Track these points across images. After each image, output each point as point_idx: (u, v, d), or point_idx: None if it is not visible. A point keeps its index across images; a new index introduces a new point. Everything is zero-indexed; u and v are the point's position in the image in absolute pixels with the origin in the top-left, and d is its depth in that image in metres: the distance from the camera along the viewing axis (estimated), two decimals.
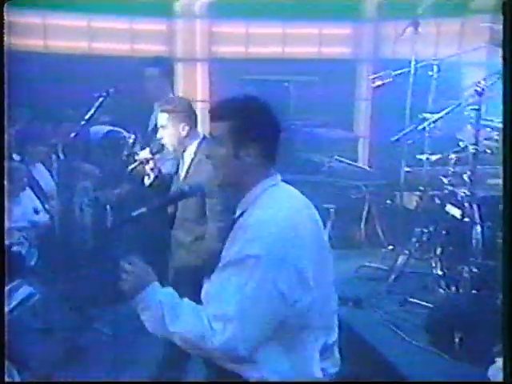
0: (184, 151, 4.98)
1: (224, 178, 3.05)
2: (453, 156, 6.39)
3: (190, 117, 5.01)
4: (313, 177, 7.42)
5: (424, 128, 6.30)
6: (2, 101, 4.08)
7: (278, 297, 2.78)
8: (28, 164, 7.34)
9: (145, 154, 5.20)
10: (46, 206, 7.19)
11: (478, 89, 5.72)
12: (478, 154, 5.83)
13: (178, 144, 4.96)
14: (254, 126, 2.98)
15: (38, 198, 7.30)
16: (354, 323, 5.74)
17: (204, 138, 4.96)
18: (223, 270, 2.88)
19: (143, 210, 3.88)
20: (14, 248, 6.64)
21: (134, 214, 3.89)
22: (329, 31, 9.89)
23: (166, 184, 5.10)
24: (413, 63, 6.82)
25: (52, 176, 7.60)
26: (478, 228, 5.81)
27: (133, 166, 5.30)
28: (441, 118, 6.20)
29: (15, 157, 7.37)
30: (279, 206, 2.94)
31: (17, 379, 4.39)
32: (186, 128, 4.91)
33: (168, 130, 4.95)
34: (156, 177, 5.07)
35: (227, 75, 9.25)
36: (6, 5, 4.16)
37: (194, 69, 9.52)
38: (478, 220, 5.83)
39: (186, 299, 2.97)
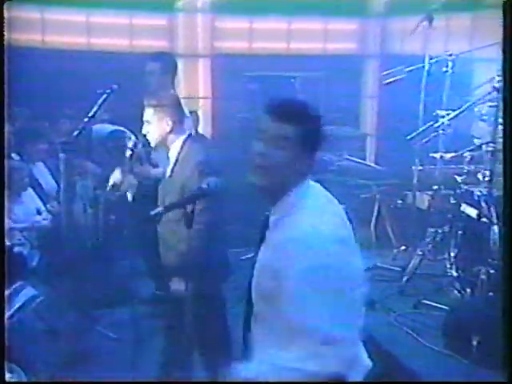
0: (168, 148, 4.83)
1: (268, 181, 2.82)
2: (467, 154, 6.23)
3: (176, 112, 4.83)
4: (321, 176, 7.27)
5: (439, 126, 6.14)
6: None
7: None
8: (29, 163, 7.19)
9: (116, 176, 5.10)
10: (48, 206, 7.04)
11: (496, 85, 5.56)
12: (496, 152, 5.66)
13: (162, 139, 4.79)
14: (318, 134, 2.83)
15: (40, 197, 7.17)
16: (367, 325, 5.56)
17: (190, 135, 4.81)
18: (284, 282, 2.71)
19: (160, 209, 3.77)
20: (16, 249, 6.51)
21: (153, 213, 3.80)
22: (334, 27, 9.75)
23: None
24: (427, 59, 6.63)
25: (53, 175, 7.47)
26: (496, 228, 5.64)
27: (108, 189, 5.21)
28: (458, 115, 6.04)
29: (15, 156, 7.24)
30: (322, 212, 2.83)
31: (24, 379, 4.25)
32: (170, 123, 4.71)
33: (152, 125, 4.76)
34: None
35: (230, 71, 9.11)
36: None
37: (195, 65, 9.36)
38: (495, 220, 5.67)
39: None
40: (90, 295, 6.43)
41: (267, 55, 9.32)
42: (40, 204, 7.11)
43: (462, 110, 6.08)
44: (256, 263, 2.89)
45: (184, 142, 4.72)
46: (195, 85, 9.21)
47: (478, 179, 6.00)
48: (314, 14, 9.26)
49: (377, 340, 5.40)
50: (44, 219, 6.96)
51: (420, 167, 6.80)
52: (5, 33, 4.12)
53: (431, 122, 6.30)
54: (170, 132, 4.69)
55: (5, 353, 3.42)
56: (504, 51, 3.67)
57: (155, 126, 4.71)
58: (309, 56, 9.38)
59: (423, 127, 6.28)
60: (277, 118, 2.79)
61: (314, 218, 2.77)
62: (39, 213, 7.03)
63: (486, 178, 5.87)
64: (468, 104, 6.05)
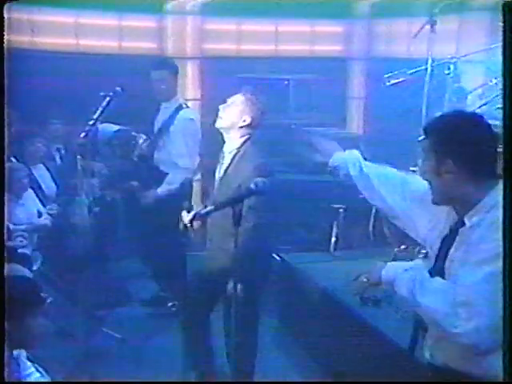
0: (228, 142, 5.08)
1: (434, 194, 3.17)
2: None
3: (255, 112, 5.06)
4: (319, 177, 7.36)
5: None
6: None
7: None
8: (29, 165, 7.19)
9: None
10: (49, 208, 7.05)
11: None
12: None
13: (232, 129, 5.00)
14: (450, 142, 3.04)
15: (40, 200, 7.18)
16: (378, 324, 5.69)
17: (250, 136, 4.96)
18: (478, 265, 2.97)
19: (211, 208, 3.86)
20: (19, 251, 6.51)
21: (203, 211, 3.89)
22: (321, 29, 9.86)
23: None
24: (429, 62, 6.79)
25: (53, 177, 7.48)
26: None
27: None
28: None
29: (14, 158, 7.24)
30: None
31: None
32: (248, 120, 4.99)
33: (231, 111, 5.01)
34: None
35: (219, 73, 9.18)
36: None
37: (184, 67, 9.37)
38: None
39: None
40: (95, 296, 6.46)
41: (255, 57, 9.39)
42: (40, 206, 7.12)
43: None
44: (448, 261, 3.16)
45: (244, 143, 4.88)
46: (184, 86, 9.23)
47: None
48: (301, 17, 9.37)
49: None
50: (45, 221, 6.99)
51: (414, 168, 6.92)
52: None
53: None
54: (242, 127, 4.89)
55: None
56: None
57: (234, 113, 4.91)
58: (297, 58, 9.47)
59: None
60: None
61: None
62: (40, 215, 7.05)
63: None
64: (479, 105, 6.17)
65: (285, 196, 6.85)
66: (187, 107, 7.28)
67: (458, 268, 3.09)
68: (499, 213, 2.94)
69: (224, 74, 9.05)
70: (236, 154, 5.00)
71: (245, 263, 4.39)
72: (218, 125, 5.15)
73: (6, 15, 7.62)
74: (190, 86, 9.41)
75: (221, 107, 5.15)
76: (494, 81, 6.41)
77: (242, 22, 9.61)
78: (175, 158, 6.89)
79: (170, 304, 7.10)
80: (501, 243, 2.90)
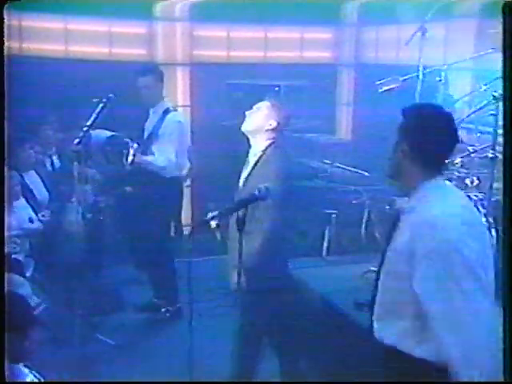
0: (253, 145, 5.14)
1: (388, 167, 3.53)
2: (458, 160, 6.43)
3: (280, 117, 5.16)
4: (312, 182, 7.42)
5: None
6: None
7: None
8: (21, 171, 7.18)
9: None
10: (40, 214, 7.04)
11: (495, 94, 5.77)
12: (494, 158, 5.89)
13: (258, 132, 5.06)
14: (410, 126, 3.39)
15: (31, 206, 7.17)
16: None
17: (274, 140, 5.04)
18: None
19: (215, 213, 3.87)
20: (13, 256, 6.51)
21: (207, 218, 3.90)
22: (311, 36, 9.92)
23: None
24: (421, 68, 6.85)
25: (45, 184, 7.47)
26: (493, 232, 5.83)
27: None
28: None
29: (6, 164, 7.22)
30: (451, 204, 3.32)
31: None
32: (274, 124, 5.04)
33: (258, 116, 5.11)
34: None
35: (209, 79, 9.22)
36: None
37: (174, 73, 9.40)
38: (492, 224, 5.86)
39: None
40: (88, 302, 6.46)
41: (245, 63, 9.43)
42: (32, 213, 7.11)
43: (468, 115, 6.29)
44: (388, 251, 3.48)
45: (268, 146, 4.96)
46: (174, 92, 9.25)
47: (466, 184, 6.26)
48: (290, 23, 9.43)
49: None
50: (37, 227, 6.99)
51: None
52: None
53: None
54: (268, 130, 4.96)
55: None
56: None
57: (261, 115, 5.08)
58: (286, 64, 9.51)
59: None
60: None
61: (445, 207, 3.27)
62: (31, 221, 7.05)
63: (475, 183, 6.17)
64: (473, 110, 6.24)
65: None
66: (175, 110, 7.33)
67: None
68: (422, 210, 3.28)
69: (214, 80, 9.12)
70: (260, 156, 5.07)
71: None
72: (244, 128, 5.23)
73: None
74: (179, 92, 9.41)
75: (247, 113, 5.23)
76: (484, 87, 6.45)
77: (232, 29, 9.64)
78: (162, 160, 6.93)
79: (163, 310, 7.09)
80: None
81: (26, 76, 8.19)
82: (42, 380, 3.97)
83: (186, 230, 8.47)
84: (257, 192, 3.82)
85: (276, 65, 9.41)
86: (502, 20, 3.76)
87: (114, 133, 6.81)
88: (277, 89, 8.42)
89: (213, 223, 4.16)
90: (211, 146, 8.87)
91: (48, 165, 8.09)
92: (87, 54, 9.26)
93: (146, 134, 7.16)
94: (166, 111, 7.14)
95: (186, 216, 8.77)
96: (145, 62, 9.29)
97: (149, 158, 6.89)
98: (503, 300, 3.72)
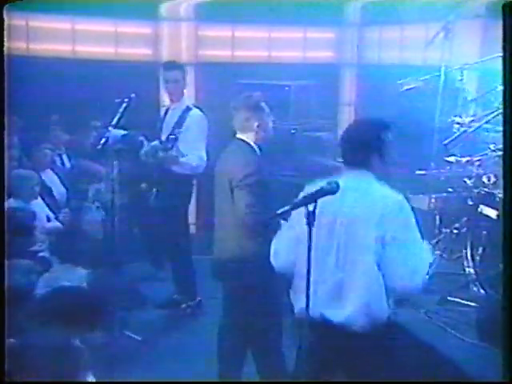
0: None
1: None
2: (475, 159, 6.58)
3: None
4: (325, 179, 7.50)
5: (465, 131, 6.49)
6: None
7: None
8: (38, 171, 7.23)
9: None
10: (61, 213, 7.10)
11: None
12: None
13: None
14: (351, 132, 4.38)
15: (47, 205, 7.21)
16: (402, 322, 5.78)
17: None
18: None
19: (287, 208, 3.92)
20: (39, 255, 6.55)
21: (279, 211, 3.95)
22: (314, 35, 10.03)
23: None
24: (443, 69, 7.00)
25: (62, 182, 7.53)
26: None
27: None
28: (487, 121, 6.40)
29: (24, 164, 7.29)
30: None
31: None
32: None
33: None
34: None
35: (213, 79, 9.29)
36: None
37: None
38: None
39: None
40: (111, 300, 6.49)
41: (249, 63, 9.51)
42: (49, 211, 7.16)
43: (492, 116, 6.40)
44: None
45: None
46: None
47: (484, 182, 6.41)
48: (293, 23, 9.54)
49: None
50: (56, 226, 7.04)
51: (422, 172, 7.12)
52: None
53: (465, 129, 6.60)
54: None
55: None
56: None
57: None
58: (290, 64, 9.61)
59: (456, 133, 6.58)
60: None
61: None
62: (49, 220, 7.10)
63: (492, 181, 6.33)
64: (497, 111, 6.34)
65: (287, 199, 6.96)
66: (196, 107, 7.34)
67: None
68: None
69: (219, 79, 9.17)
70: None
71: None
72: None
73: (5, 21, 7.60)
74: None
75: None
76: (500, 87, 6.56)
77: (237, 29, 9.73)
78: (190, 150, 6.95)
79: (183, 305, 7.17)
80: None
81: (33, 76, 8.27)
82: None
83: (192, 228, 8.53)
84: (326, 185, 3.87)
85: (280, 64, 9.51)
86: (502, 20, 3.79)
87: (127, 131, 6.80)
88: (287, 88, 8.49)
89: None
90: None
91: (58, 164, 8.13)
92: (93, 53, 9.30)
93: (164, 131, 7.18)
94: (188, 108, 7.20)
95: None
96: (151, 61, 9.35)
97: (183, 159, 6.86)
98: (503, 300, 3.92)
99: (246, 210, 4.97)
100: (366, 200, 4.08)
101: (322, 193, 3.81)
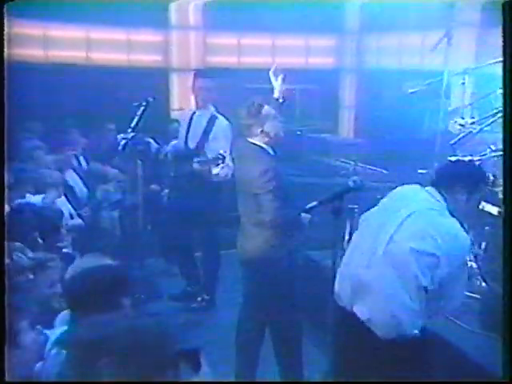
0: None
1: None
2: (476, 158, 6.84)
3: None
4: (333, 179, 7.82)
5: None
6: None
7: None
8: (62, 172, 7.55)
9: None
10: (83, 211, 7.43)
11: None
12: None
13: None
14: None
15: (70, 202, 7.52)
16: None
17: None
18: None
19: (315, 203, 4.22)
20: (64, 251, 6.84)
21: (308, 207, 4.24)
22: (315, 43, 10.41)
23: None
24: (446, 72, 7.30)
25: (84, 182, 7.86)
26: None
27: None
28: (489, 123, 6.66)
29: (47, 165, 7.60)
30: None
31: None
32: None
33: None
34: None
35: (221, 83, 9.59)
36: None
37: (188, 78, 9.78)
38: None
39: None
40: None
41: (254, 69, 9.83)
42: (72, 209, 7.49)
43: (495, 118, 6.64)
44: None
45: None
46: (188, 97, 9.62)
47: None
48: (296, 31, 9.90)
49: None
50: (79, 223, 7.36)
51: (423, 170, 7.43)
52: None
53: (471, 130, 6.86)
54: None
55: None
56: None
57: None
58: (292, 70, 9.91)
59: (461, 134, 6.86)
60: None
61: None
62: (72, 217, 7.42)
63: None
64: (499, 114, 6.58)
65: (299, 198, 7.23)
66: (222, 115, 7.33)
67: None
68: None
69: (226, 84, 9.49)
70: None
71: None
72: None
73: (16, 31, 7.89)
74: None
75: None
76: (500, 90, 6.56)
77: (243, 36, 10.09)
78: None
79: (199, 299, 7.40)
80: None
81: (49, 82, 8.60)
82: None
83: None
84: (351, 183, 4.14)
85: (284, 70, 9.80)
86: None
87: (136, 134, 6.91)
88: (293, 92, 8.80)
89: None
90: None
91: (83, 164, 8.47)
92: (106, 60, 9.66)
93: (190, 136, 7.27)
94: (214, 116, 7.24)
95: None
96: (161, 68, 9.68)
97: (215, 171, 6.70)
98: (503, 300, 3.85)
99: (274, 212, 4.98)
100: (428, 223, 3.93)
101: (348, 190, 4.11)
